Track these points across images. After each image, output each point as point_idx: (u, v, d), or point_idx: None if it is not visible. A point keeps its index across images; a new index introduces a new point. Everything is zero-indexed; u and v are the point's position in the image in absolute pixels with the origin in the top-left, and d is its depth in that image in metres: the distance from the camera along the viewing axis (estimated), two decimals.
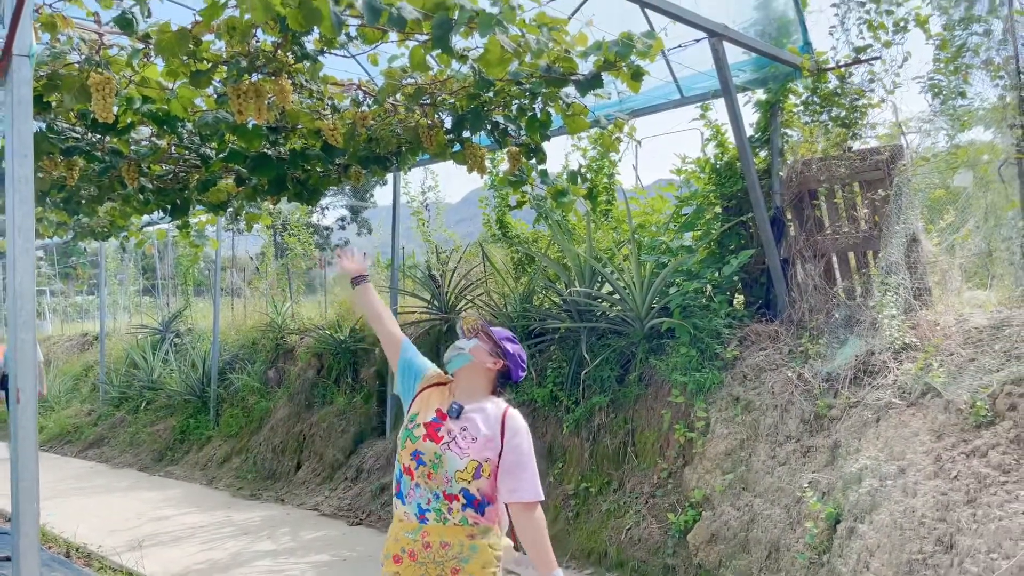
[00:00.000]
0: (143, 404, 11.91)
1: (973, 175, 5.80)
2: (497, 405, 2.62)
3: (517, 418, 2.60)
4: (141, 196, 7.39)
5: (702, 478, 5.42)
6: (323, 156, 6.51)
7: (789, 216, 6.11)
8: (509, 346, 2.67)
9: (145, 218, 9.76)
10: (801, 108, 6.09)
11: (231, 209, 8.53)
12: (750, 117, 6.37)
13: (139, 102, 5.11)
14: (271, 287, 12.47)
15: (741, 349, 5.73)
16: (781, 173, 6.06)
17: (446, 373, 2.77)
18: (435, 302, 8.83)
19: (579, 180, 7.05)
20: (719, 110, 6.76)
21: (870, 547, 4.08)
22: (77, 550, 6.54)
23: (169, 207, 7.90)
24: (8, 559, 3.49)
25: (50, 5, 3.89)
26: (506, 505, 2.55)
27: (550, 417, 6.71)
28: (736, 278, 6.23)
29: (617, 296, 6.59)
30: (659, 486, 5.75)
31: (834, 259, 5.95)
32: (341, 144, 5.73)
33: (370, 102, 5.79)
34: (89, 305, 20.78)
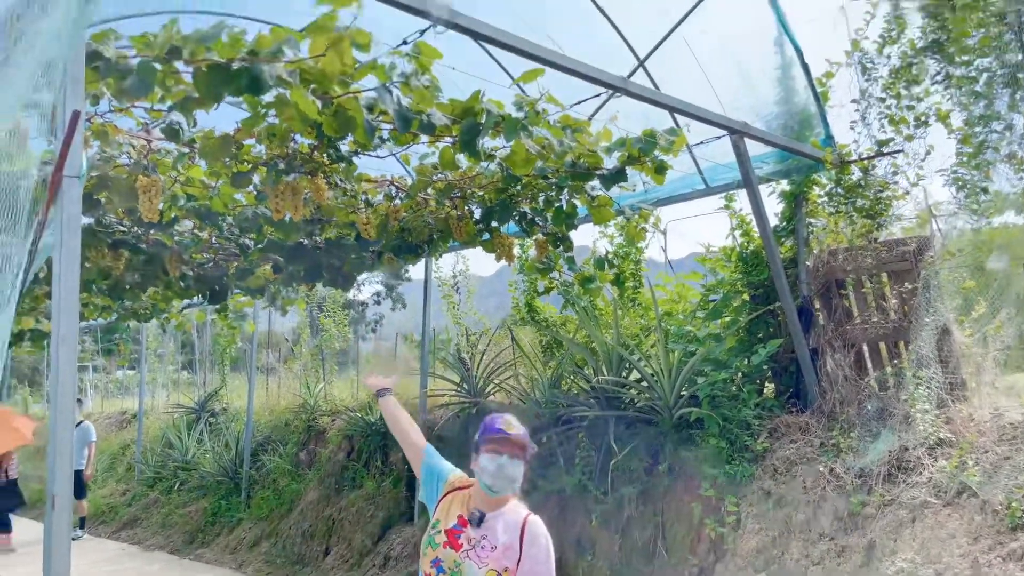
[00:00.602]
0: (177, 484, 11.99)
1: (1007, 259, 5.76)
2: (517, 512, 2.62)
3: (537, 526, 2.59)
4: (182, 283, 7.65)
5: None
6: (357, 245, 6.73)
7: (817, 306, 6.10)
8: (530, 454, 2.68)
9: (185, 300, 10.04)
10: (825, 199, 6.15)
11: (268, 292, 8.78)
12: (775, 207, 6.46)
13: (183, 199, 5.36)
14: (305, 368, 12.63)
15: (771, 441, 5.65)
16: (808, 263, 6.09)
17: (488, 488, 2.62)
18: (464, 385, 8.87)
19: (606, 266, 7.15)
20: (744, 198, 6.85)
21: None
22: None
23: (209, 293, 8.15)
24: None
25: (102, 116, 4.15)
26: None
27: (579, 507, 6.62)
28: (765, 367, 6.19)
29: (645, 384, 6.58)
30: None
31: (864, 349, 5.89)
32: (374, 236, 5.91)
33: (402, 196, 6.00)
34: (129, 381, 21.16)
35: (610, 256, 7.51)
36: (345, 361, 13.58)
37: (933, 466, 4.76)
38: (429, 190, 5.77)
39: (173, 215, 5.55)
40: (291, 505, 9.88)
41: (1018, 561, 3.85)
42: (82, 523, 11.46)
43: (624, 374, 6.99)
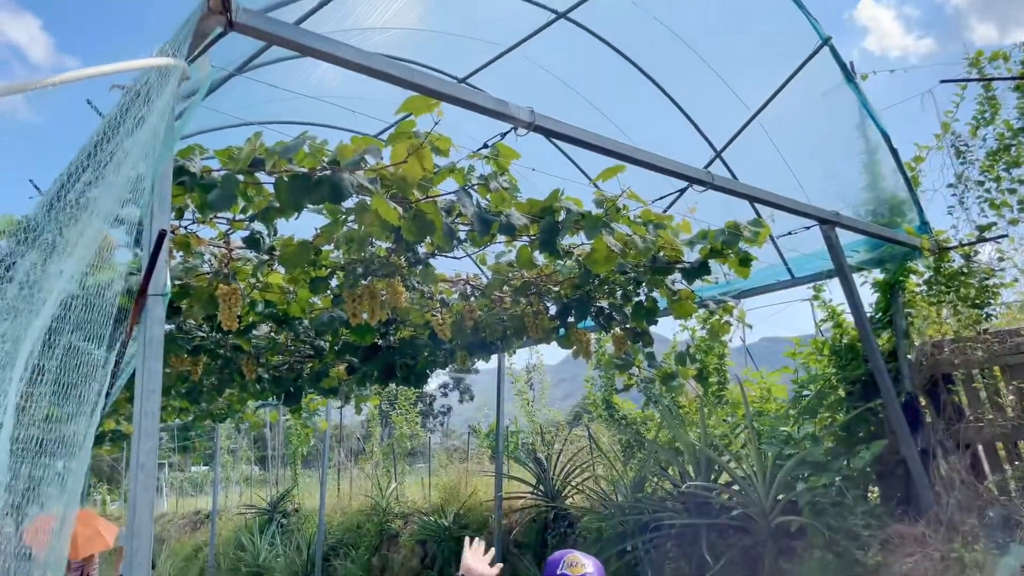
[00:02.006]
0: None
1: None
2: None
3: None
4: (258, 385, 7.66)
5: None
6: (431, 344, 6.64)
7: (923, 402, 5.65)
8: None
9: (260, 400, 10.08)
10: (924, 288, 5.78)
11: (341, 392, 8.72)
12: (868, 297, 6.10)
13: (261, 305, 5.37)
14: (376, 468, 12.44)
15: (885, 554, 5.14)
16: (909, 356, 5.67)
17: None
18: (541, 487, 8.52)
19: (688, 361, 6.84)
20: (833, 289, 6.52)
21: None
22: None
23: (284, 394, 8.14)
24: None
25: (185, 228, 4.19)
26: None
27: None
28: (869, 470, 5.71)
29: (737, 488, 6.15)
30: None
31: (980, 450, 5.39)
32: (448, 336, 5.81)
33: (477, 295, 5.91)
34: (203, 479, 21.32)
35: (692, 351, 7.20)
36: (416, 459, 13.36)
37: None
38: (504, 288, 5.66)
39: (251, 320, 5.57)
40: None
41: None
42: None
43: (713, 477, 6.57)
